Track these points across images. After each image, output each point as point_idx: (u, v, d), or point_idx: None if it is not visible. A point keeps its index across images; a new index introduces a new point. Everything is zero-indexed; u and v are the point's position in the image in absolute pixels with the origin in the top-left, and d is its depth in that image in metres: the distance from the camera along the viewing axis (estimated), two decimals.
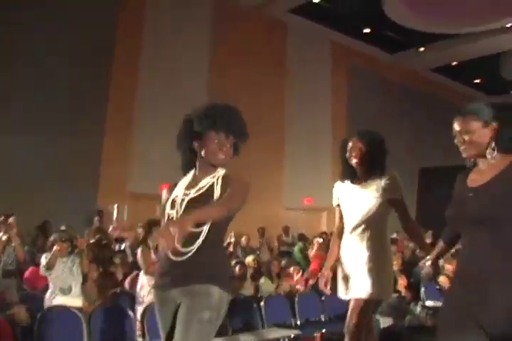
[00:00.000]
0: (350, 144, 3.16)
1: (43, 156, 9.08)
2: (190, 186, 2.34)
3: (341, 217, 3.25)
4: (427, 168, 15.07)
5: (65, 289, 4.53)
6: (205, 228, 2.20)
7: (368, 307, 3.03)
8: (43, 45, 9.21)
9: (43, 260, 4.60)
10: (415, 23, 11.93)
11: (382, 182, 3.08)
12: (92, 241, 6.58)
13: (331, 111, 13.84)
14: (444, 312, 2.11)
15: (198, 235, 2.20)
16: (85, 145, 9.57)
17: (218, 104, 2.36)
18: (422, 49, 14.29)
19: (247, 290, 5.90)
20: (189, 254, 2.20)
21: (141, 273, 4.62)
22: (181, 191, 2.34)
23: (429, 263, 2.46)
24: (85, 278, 4.71)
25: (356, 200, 3.14)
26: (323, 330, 4.75)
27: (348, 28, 13.42)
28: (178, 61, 10.89)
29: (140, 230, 9.24)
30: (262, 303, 5.13)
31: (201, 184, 2.31)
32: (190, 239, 2.14)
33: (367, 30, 13.50)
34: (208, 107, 2.33)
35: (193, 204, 2.24)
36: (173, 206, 2.31)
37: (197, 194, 2.29)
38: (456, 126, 2.15)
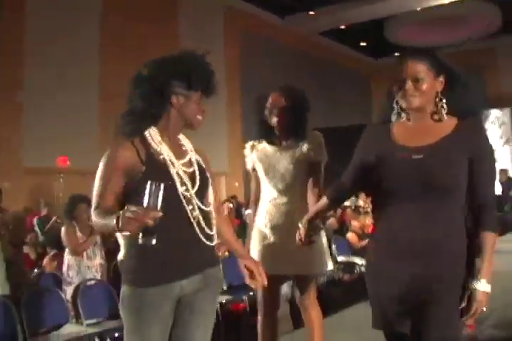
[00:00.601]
0: (269, 100, 2.79)
1: None
2: (179, 155, 2.00)
3: (258, 182, 2.92)
4: (315, 129, 15.46)
5: None
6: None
7: (313, 280, 2.88)
8: None
9: None
10: None
11: (305, 143, 2.77)
12: None
13: (224, 76, 13.80)
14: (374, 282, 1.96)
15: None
16: None
17: (201, 57, 2.03)
18: (311, 13, 14.52)
19: None
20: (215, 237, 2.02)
21: (66, 253, 4.45)
22: (174, 160, 1.96)
23: (304, 221, 2.09)
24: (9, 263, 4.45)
25: (277, 164, 2.80)
26: (251, 293, 4.77)
27: None
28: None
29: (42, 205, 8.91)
30: None
31: (190, 157, 2.04)
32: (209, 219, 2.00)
33: None
34: (194, 61, 2.01)
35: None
36: (181, 180, 1.93)
37: (192, 170, 2.00)
38: (406, 70, 1.87)
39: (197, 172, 2.00)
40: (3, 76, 9.42)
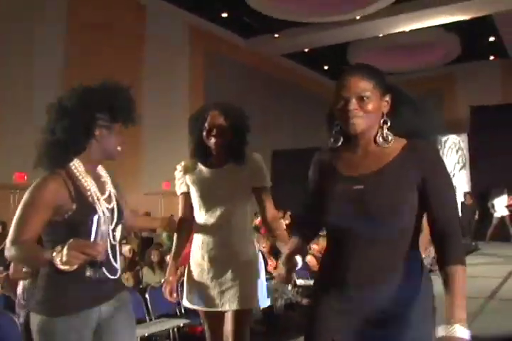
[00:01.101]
0: (208, 119, 2.55)
1: None
2: (100, 189, 2.02)
3: (190, 207, 2.63)
4: (278, 151, 15.60)
5: None
6: None
7: (249, 316, 2.62)
8: None
9: None
10: (271, 10, 12.24)
11: (246, 167, 2.55)
12: None
13: (188, 96, 13.76)
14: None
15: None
16: None
17: (121, 88, 2.03)
18: (276, 35, 14.70)
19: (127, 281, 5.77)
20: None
21: None
22: (100, 196, 1.98)
23: (283, 260, 1.89)
24: None
25: (216, 188, 2.56)
26: None
27: (207, 12, 13.40)
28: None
29: None
30: (146, 295, 5.01)
31: (110, 191, 2.06)
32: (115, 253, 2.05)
33: (225, 15, 13.57)
34: (115, 92, 2.00)
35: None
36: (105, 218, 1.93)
37: (112, 205, 2.03)
38: (349, 88, 1.65)
39: (115, 208, 2.03)
40: None
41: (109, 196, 2.03)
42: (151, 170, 12.26)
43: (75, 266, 1.65)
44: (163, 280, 2.49)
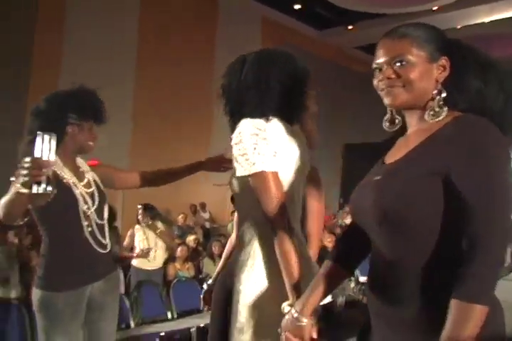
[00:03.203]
0: None
1: None
2: (79, 177, 2.34)
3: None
4: (350, 144, 15.40)
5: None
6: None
7: None
8: None
9: None
10: (345, 1, 12.01)
11: None
12: None
13: None
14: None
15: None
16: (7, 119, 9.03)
17: (89, 91, 2.38)
18: (350, 27, 14.43)
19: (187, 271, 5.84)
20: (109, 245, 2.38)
21: None
22: (76, 182, 2.29)
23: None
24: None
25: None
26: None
27: (279, 4, 13.28)
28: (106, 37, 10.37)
29: None
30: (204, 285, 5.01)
31: (88, 178, 2.38)
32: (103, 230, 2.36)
33: (298, 7, 13.45)
34: (83, 95, 2.34)
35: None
36: (84, 200, 2.29)
37: (91, 190, 2.35)
38: (384, 52, 1.32)
39: (95, 192, 2.35)
40: (38, 77, 9.54)
41: (88, 182, 2.35)
42: None
43: (34, 189, 1.71)
44: None
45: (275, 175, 1.68)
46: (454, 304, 1.10)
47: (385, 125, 1.42)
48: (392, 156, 1.35)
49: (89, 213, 2.27)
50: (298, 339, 1.42)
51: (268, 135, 1.71)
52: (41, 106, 2.26)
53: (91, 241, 2.27)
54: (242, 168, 1.69)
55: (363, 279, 6.51)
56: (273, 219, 1.63)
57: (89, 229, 2.27)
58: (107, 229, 2.38)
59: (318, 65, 15.28)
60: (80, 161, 2.42)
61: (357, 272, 6.55)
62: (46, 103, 2.27)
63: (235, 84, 1.83)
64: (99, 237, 2.31)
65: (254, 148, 1.67)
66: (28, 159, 1.69)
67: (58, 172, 2.22)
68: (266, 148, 1.68)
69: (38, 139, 1.72)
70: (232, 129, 1.80)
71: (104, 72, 9.53)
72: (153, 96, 10.66)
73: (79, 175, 2.34)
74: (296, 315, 1.43)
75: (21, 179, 1.73)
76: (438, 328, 1.11)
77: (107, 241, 2.35)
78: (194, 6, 12.13)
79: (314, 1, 12.57)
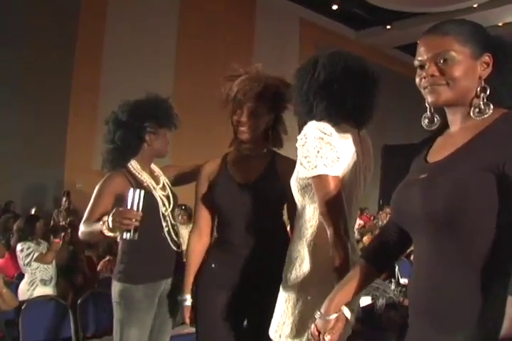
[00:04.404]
0: None
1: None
2: (155, 180, 2.50)
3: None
4: (390, 146, 15.23)
5: (47, 280, 4.36)
6: None
7: None
8: None
9: (26, 250, 4.36)
10: (383, 1, 11.91)
11: None
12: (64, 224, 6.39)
13: None
14: None
15: None
16: (51, 123, 9.26)
17: (162, 100, 2.53)
18: (388, 27, 14.28)
19: None
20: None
21: None
22: (155, 186, 2.47)
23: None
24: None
25: None
26: None
27: (317, 5, 13.27)
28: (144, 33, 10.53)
29: None
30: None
31: (163, 182, 2.55)
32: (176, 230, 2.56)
33: (335, 7, 13.39)
34: (157, 103, 2.49)
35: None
36: (163, 202, 2.47)
37: (167, 192, 2.52)
38: (427, 49, 1.30)
39: (170, 195, 2.52)
40: (82, 80, 9.74)
41: (164, 185, 2.52)
42: None
43: (118, 233, 2.07)
44: None
45: (336, 179, 1.70)
46: (510, 301, 1.08)
47: (424, 123, 1.39)
48: (437, 155, 1.32)
49: (166, 214, 2.45)
50: (324, 333, 1.41)
51: (333, 140, 1.71)
52: (121, 116, 2.41)
53: (168, 240, 2.45)
54: (305, 169, 1.73)
55: (403, 281, 6.42)
56: (330, 223, 1.66)
57: (167, 229, 2.44)
58: (178, 229, 2.57)
59: None
60: (153, 166, 2.59)
61: (397, 274, 6.48)
62: (126, 113, 2.41)
63: (306, 86, 1.81)
64: (174, 237, 2.49)
65: (318, 152, 1.69)
66: (121, 209, 2.02)
67: (139, 176, 2.42)
68: (329, 153, 1.70)
69: (131, 193, 2.02)
70: (300, 130, 1.79)
71: (144, 75, 9.69)
72: (192, 100, 10.77)
73: (155, 178, 2.51)
74: (320, 314, 1.43)
75: (111, 224, 2.04)
76: (495, 327, 1.10)
77: (181, 240, 2.53)
78: (232, 7, 12.21)
79: (352, 1, 12.53)
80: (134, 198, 2.02)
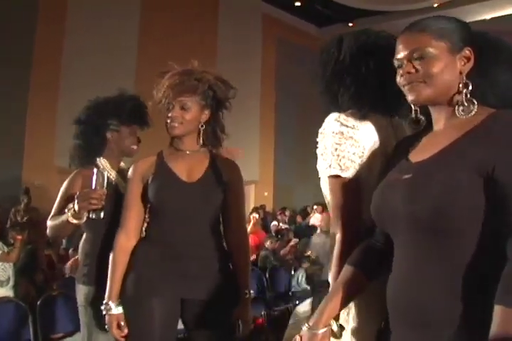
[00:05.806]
0: None
1: None
2: (124, 180, 2.41)
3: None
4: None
5: (4, 281, 4.21)
6: None
7: None
8: None
9: None
10: None
11: None
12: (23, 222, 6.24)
13: (260, 86, 13.76)
14: None
15: None
16: (9, 120, 9.01)
17: (129, 97, 2.48)
18: (350, 24, 14.37)
19: None
20: None
21: None
22: (124, 185, 2.35)
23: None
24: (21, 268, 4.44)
25: None
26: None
27: (280, 1, 13.31)
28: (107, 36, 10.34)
29: None
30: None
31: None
32: None
33: (298, 4, 13.42)
34: (123, 101, 2.43)
35: None
36: None
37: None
38: (403, 47, 1.26)
39: None
40: (41, 76, 9.51)
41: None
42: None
43: (84, 219, 2.09)
44: None
45: (351, 182, 1.51)
46: (497, 310, 1.05)
47: (408, 123, 1.36)
48: (420, 154, 1.27)
49: None
50: None
51: (356, 133, 1.50)
52: (83, 113, 2.39)
53: None
54: (320, 168, 1.57)
55: None
56: (338, 229, 1.51)
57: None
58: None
59: (318, 62, 15.34)
60: (122, 164, 2.51)
61: None
62: (87, 111, 2.39)
63: (329, 72, 1.60)
64: None
65: (336, 149, 1.50)
66: (86, 190, 2.06)
67: (107, 174, 2.28)
68: (349, 150, 1.49)
69: (95, 174, 2.07)
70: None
71: (104, 74, 9.53)
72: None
73: (124, 177, 2.40)
74: (308, 326, 1.34)
75: (77, 207, 2.04)
76: (477, 332, 1.08)
77: None
78: (194, 4, 12.09)
79: None
80: (98, 179, 2.07)
